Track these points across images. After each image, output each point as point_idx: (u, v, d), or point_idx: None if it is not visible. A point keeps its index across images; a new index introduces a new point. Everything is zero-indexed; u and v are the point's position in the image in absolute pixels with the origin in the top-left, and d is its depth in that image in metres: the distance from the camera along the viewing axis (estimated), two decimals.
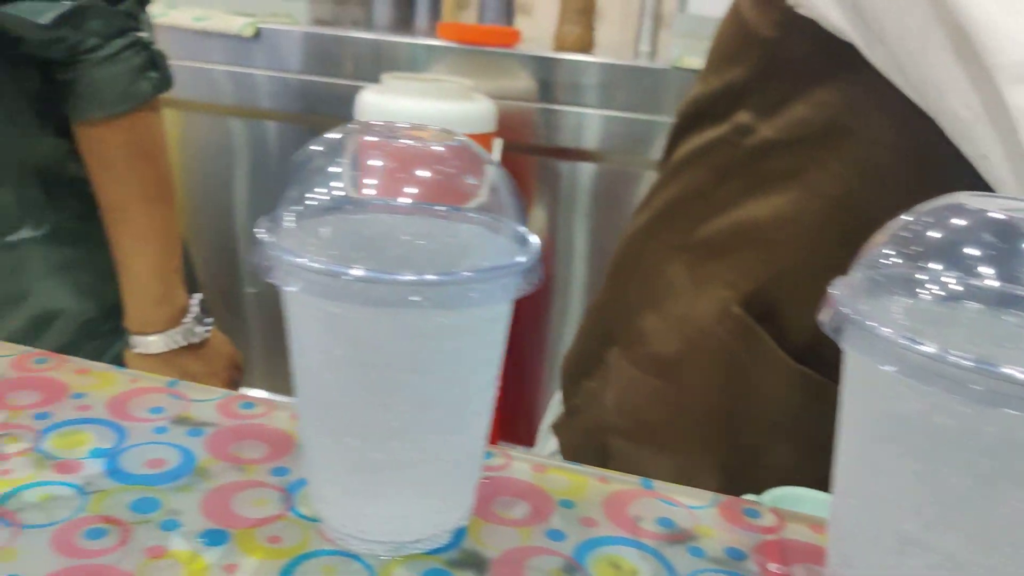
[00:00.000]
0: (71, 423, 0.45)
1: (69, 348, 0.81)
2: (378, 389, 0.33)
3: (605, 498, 0.43)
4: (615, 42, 1.96)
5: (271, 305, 1.93)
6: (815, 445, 0.47)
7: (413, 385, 0.33)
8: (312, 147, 0.36)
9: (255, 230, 0.34)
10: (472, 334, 0.34)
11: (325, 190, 0.35)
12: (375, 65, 1.60)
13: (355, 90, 1.45)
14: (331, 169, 0.35)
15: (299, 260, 0.32)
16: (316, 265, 0.31)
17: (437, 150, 0.35)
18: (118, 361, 0.85)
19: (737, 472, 0.66)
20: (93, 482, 0.41)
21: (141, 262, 0.80)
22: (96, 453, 0.43)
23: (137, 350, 0.82)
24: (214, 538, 0.38)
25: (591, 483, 0.45)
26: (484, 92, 1.51)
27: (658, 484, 0.45)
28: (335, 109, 1.64)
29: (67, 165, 0.80)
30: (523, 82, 1.59)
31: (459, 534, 0.40)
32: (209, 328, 0.86)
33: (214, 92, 1.72)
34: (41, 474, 0.41)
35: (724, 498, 0.45)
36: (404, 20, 2.02)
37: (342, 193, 0.35)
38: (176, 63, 0.84)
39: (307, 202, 0.35)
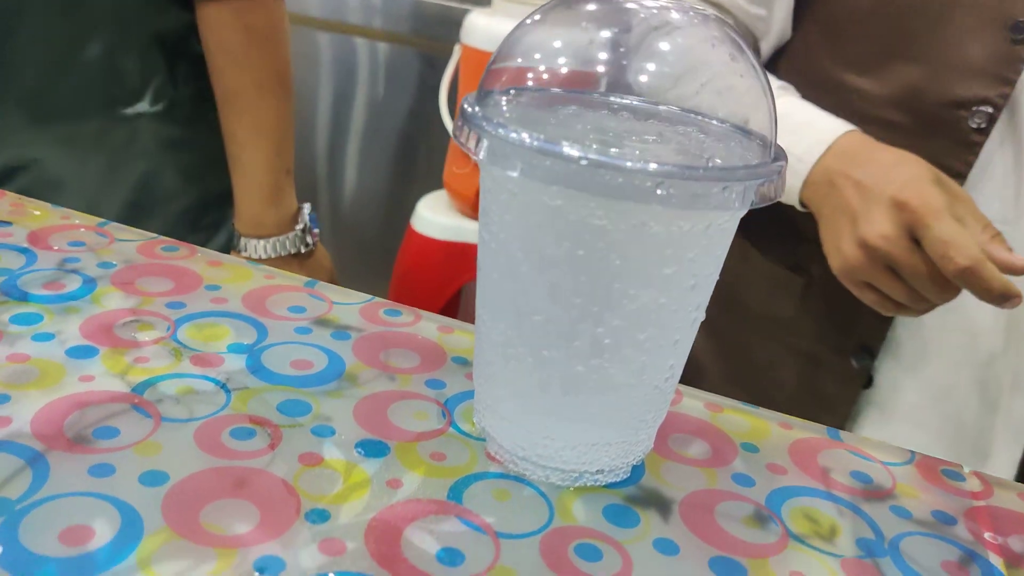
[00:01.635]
0: (207, 315, 0.41)
1: (168, 235, 0.78)
2: (594, 298, 0.29)
3: (790, 444, 0.39)
4: None
5: (348, 226, 1.90)
6: None
7: (634, 297, 0.29)
8: (528, 20, 0.31)
9: (462, 103, 0.30)
10: (707, 243, 0.29)
11: (544, 67, 0.30)
12: None
13: (463, 13, 1.39)
14: (554, 44, 0.30)
15: (521, 137, 0.27)
16: (543, 145, 0.27)
17: (686, 25, 0.30)
18: None
19: None
20: (235, 378, 0.37)
21: (254, 156, 0.76)
22: (236, 348, 0.39)
23: (245, 253, 0.79)
24: (372, 449, 0.34)
25: (773, 428, 0.40)
26: None
27: (845, 435, 0.40)
28: (442, 32, 1.59)
29: (190, 41, 0.77)
30: None
31: (638, 469, 0.35)
32: (316, 239, 0.83)
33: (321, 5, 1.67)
34: (179, 365, 0.37)
35: (921, 456, 0.40)
36: None
37: (564, 73, 0.30)
38: None
39: (523, 82, 0.30)
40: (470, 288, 1.51)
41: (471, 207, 1.48)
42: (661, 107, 0.32)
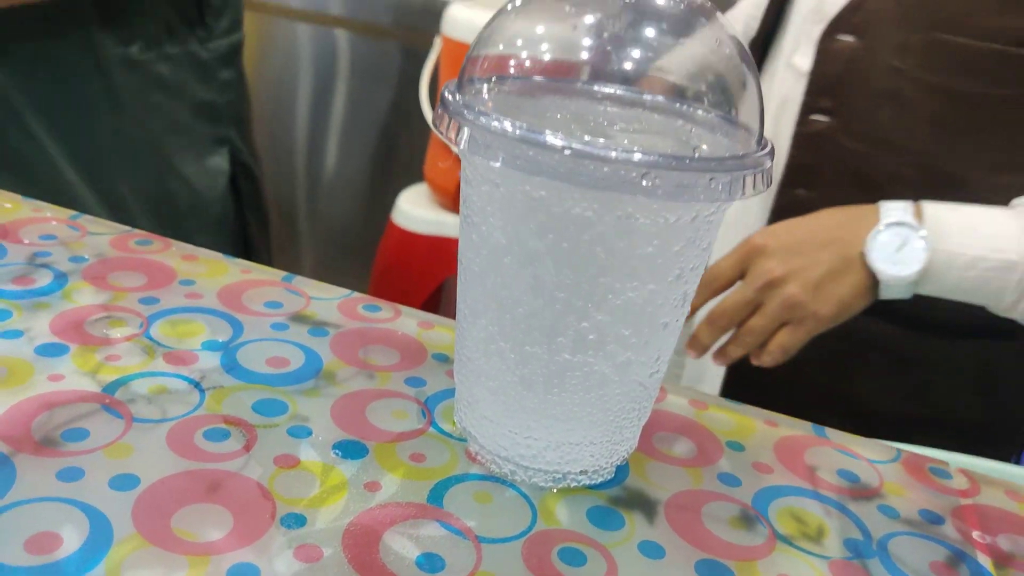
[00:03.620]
0: (181, 311, 0.40)
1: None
2: (578, 292, 0.28)
3: (776, 442, 0.38)
4: None
5: (328, 220, 1.89)
6: None
7: (619, 291, 0.28)
8: (512, 3, 0.30)
9: (443, 91, 0.29)
10: (692, 235, 0.28)
11: (526, 55, 0.29)
12: None
13: (444, 5, 1.37)
14: (536, 30, 0.29)
15: (503, 126, 0.26)
16: (526, 134, 0.26)
17: (668, 9, 0.29)
18: None
19: None
20: (209, 377, 0.36)
21: None
22: (210, 345, 0.38)
23: None
24: (350, 450, 0.33)
25: (758, 425, 0.39)
26: None
27: (832, 432, 0.40)
28: (423, 24, 1.57)
29: None
30: None
31: (622, 469, 0.35)
32: None
33: None
34: (152, 364, 0.36)
35: (908, 453, 0.39)
36: None
37: (547, 60, 0.29)
38: None
39: (505, 70, 0.29)
40: (452, 283, 1.50)
41: (452, 201, 1.47)
42: (646, 96, 0.31)
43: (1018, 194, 0.65)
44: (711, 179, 0.26)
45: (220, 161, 0.92)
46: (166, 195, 0.86)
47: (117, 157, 0.80)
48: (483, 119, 0.27)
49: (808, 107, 0.72)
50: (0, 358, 0.35)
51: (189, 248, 0.46)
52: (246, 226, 0.98)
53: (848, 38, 0.70)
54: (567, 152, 0.25)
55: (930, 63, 0.66)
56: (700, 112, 0.31)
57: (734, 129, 0.30)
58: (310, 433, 0.33)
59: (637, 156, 0.25)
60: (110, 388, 0.34)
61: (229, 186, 0.94)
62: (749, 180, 0.27)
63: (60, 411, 0.33)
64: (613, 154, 0.25)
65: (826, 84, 0.71)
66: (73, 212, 0.49)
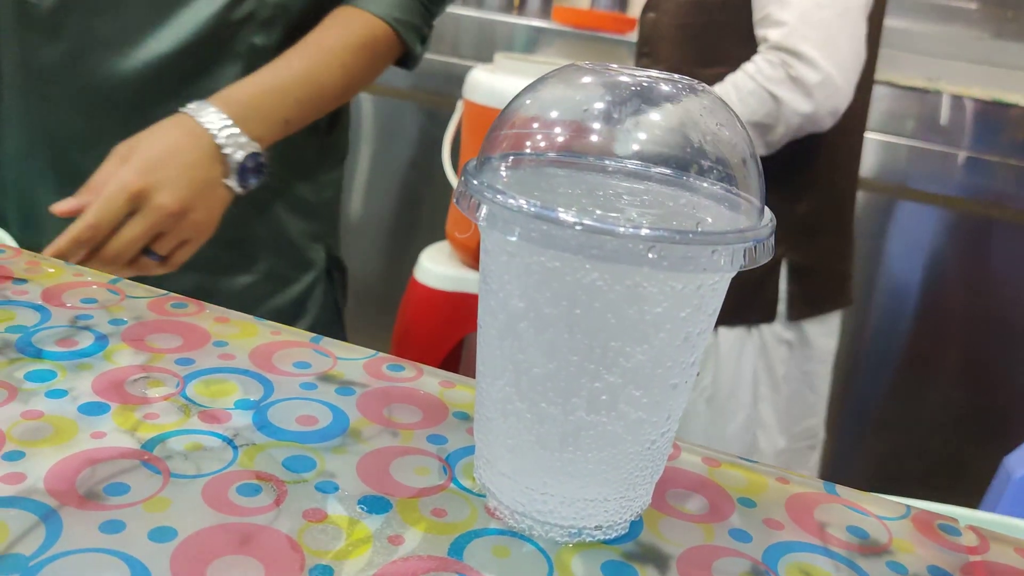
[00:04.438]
0: (215, 371, 0.42)
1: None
2: (591, 355, 0.30)
3: (787, 499, 0.39)
4: None
5: (352, 277, 1.91)
6: None
7: (629, 354, 0.30)
8: (526, 90, 0.32)
9: (464, 170, 0.31)
10: (698, 302, 0.30)
11: (541, 137, 0.31)
12: (487, 45, 1.57)
13: (465, 69, 1.42)
14: (551, 114, 0.32)
15: (519, 203, 0.28)
16: (540, 211, 0.28)
17: (673, 93, 0.31)
18: None
19: None
20: (242, 434, 0.38)
21: (291, 60, 0.78)
22: (243, 404, 0.40)
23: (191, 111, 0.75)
24: (375, 505, 0.35)
25: (770, 483, 0.41)
26: None
27: (842, 489, 0.41)
28: (445, 88, 1.62)
29: None
30: None
31: (636, 524, 0.36)
32: (243, 190, 0.77)
33: None
34: (188, 422, 0.38)
35: (917, 510, 0.40)
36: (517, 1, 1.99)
37: (562, 140, 0.31)
38: None
39: (521, 148, 0.31)
40: (473, 338, 1.52)
41: (473, 258, 1.50)
42: (654, 170, 0.33)
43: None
44: (713, 251, 0.28)
45: (316, 256, 0.95)
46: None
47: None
48: (500, 197, 0.29)
49: (638, 55, 1.37)
50: (47, 416, 0.37)
51: (221, 311, 0.49)
52: (339, 312, 1.01)
53: (651, 13, 1.32)
54: (578, 228, 0.27)
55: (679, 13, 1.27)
56: (705, 185, 0.33)
57: (737, 200, 0.32)
58: (337, 488, 0.35)
59: (644, 231, 0.27)
60: (149, 445, 0.36)
61: (325, 278, 0.97)
62: (751, 251, 0.29)
63: (102, 467, 0.35)
64: (621, 229, 0.27)
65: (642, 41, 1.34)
66: (112, 276, 0.52)
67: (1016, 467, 1.37)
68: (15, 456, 0.34)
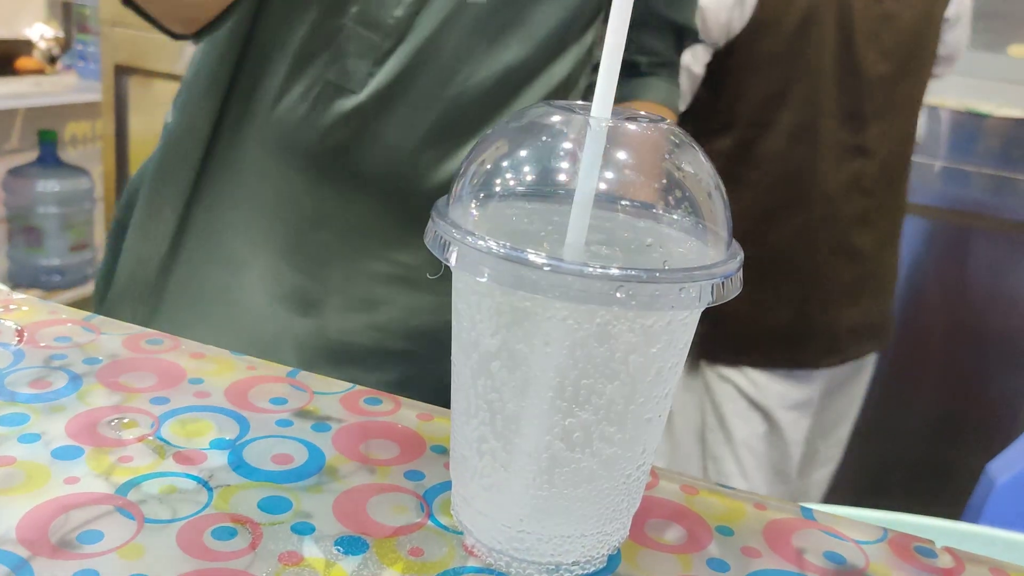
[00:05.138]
0: (190, 410, 0.42)
1: None
2: (563, 393, 0.30)
3: (765, 526, 0.40)
4: None
5: None
6: None
7: (601, 391, 0.30)
8: (498, 128, 0.32)
9: (434, 208, 0.31)
10: (669, 337, 0.30)
11: (512, 175, 0.31)
12: None
13: None
14: (520, 152, 0.32)
15: (488, 244, 0.28)
16: (509, 252, 0.28)
17: (640, 134, 0.31)
18: None
19: None
20: (217, 475, 0.38)
21: None
22: (218, 444, 0.40)
23: None
24: (351, 546, 0.34)
25: (748, 509, 0.41)
26: None
27: (819, 514, 0.41)
28: None
29: None
30: None
31: (614, 558, 0.36)
32: None
33: None
34: (163, 464, 0.38)
35: (893, 533, 0.40)
36: None
37: (531, 178, 0.31)
38: None
39: (491, 185, 0.31)
40: None
41: None
42: (623, 203, 0.34)
43: None
44: (681, 289, 0.28)
45: None
46: None
47: None
48: (470, 239, 0.29)
49: None
50: (19, 462, 0.37)
51: (197, 346, 0.48)
52: None
53: None
54: (547, 268, 0.27)
55: None
56: (675, 218, 0.33)
57: (705, 233, 0.32)
58: (313, 530, 0.35)
59: (612, 271, 0.27)
60: (123, 489, 0.36)
61: None
62: (719, 287, 0.29)
63: (76, 513, 0.34)
64: (589, 269, 0.27)
65: None
66: (87, 313, 0.51)
67: (999, 473, 1.38)
68: None
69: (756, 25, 1.17)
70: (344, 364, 0.71)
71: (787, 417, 1.29)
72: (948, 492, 1.38)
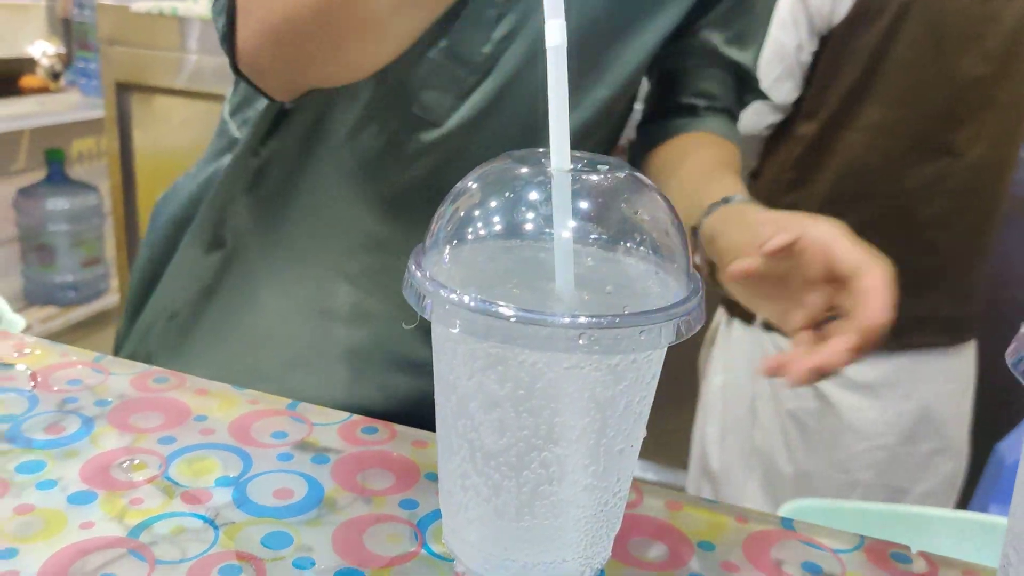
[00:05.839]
0: (196, 448, 0.44)
1: None
2: (538, 431, 0.32)
3: (745, 539, 0.41)
4: None
5: None
6: None
7: (573, 427, 0.32)
8: (468, 178, 0.34)
9: (412, 255, 0.33)
10: (636, 374, 0.32)
11: (481, 224, 0.33)
12: None
13: None
14: (490, 202, 0.34)
15: (460, 298, 0.30)
16: (479, 304, 0.30)
17: (599, 181, 0.33)
18: None
19: None
20: (222, 513, 0.40)
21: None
22: (223, 482, 0.42)
23: None
24: None
25: (729, 523, 0.43)
26: None
27: (799, 524, 0.43)
28: None
29: None
30: None
31: None
32: None
33: None
34: (171, 504, 0.40)
35: (870, 540, 0.42)
36: None
37: (499, 228, 0.33)
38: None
39: (463, 233, 0.33)
40: None
41: None
42: (589, 244, 0.35)
43: None
44: (642, 332, 0.30)
45: None
46: None
47: None
48: (443, 292, 0.31)
49: None
50: (37, 510, 0.39)
51: (201, 382, 0.51)
52: None
53: None
54: (513, 320, 0.29)
55: None
56: (640, 252, 0.35)
57: (666, 264, 0.34)
58: (313, 564, 0.37)
59: (577, 318, 0.29)
60: (135, 532, 0.38)
61: None
62: (679, 327, 0.31)
63: (92, 558, 0.37)
64: (553, 319, 0.29)
65: None
66: (96, 354, 0.54)
67: (1008, 453, 1.39)
68: (9, 554, 0.36)
69: (853, 16, 1.19)
70: (397, 371, 0.72)
71: (844, 398, 1.29)
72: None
